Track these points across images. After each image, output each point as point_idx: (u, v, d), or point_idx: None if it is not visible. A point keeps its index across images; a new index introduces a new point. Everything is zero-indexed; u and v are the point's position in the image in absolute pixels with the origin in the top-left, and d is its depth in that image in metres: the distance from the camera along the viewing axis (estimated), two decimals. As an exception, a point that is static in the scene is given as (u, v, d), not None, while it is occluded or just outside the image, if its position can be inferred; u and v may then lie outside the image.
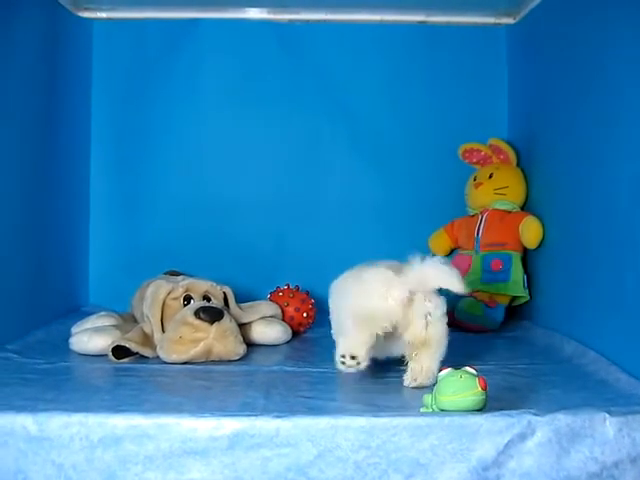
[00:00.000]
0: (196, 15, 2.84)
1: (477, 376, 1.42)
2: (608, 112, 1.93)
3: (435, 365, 1.68)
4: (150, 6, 2.81)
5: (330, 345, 1.88)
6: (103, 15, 2.84)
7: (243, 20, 2.88)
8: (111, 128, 2.87)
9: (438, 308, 1.72)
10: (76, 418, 1.35)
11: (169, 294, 2.09)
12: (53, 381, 1.73)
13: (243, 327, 2.17)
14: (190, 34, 2.86)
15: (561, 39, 2.32)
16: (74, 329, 2.14)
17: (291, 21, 2.88)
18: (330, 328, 1.94)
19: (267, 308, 2.32)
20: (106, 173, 2.87)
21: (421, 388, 1.66)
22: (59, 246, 2.58)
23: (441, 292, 1.76)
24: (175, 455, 1.34)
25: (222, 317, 2.01)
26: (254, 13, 2.87)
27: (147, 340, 2.04)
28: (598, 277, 1.96)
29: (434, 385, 1.47)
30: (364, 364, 1.65)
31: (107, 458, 1.34)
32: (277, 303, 2.39)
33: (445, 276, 1.71)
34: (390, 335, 1.69)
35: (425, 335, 1.69)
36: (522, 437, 1.33)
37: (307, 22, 2.88)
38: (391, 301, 1.67)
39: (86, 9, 2.80)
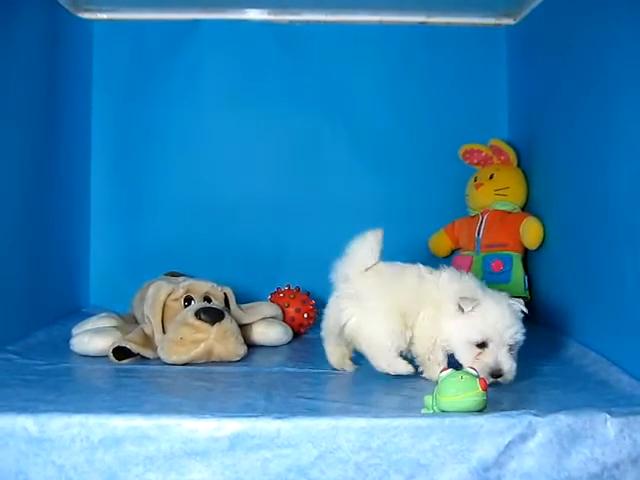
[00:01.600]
0: (196, 16, 2.85)
1: (478, 377, 1.42)
2: (608, 113, 1.93)
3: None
4: (150, 7, 2.81)
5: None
6: (103, 16, 2.85)
7: (243, 21, 2.88)
8: (112, 129, 2.88)
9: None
10: (77, 419, 1.35)
11: (170, 295, 2.09)
12: (54, 382, 1.73)
13: (244, 328, 2.17)
14: (190, 35, 2.86)
15: (561, 40, 2.32)
16: (75, 330, 2.14)
17: (291, 22, 2.88)
18: None
19: (268, 309, 2.32)
20: (107, 174, 2.87)
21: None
22: (60, 247, 2.58)
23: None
24: (176, 456, 1.34)
25: (223, 318, 2.01)
26: (254, 14, 2.88)
27: (148, 341, 2.04)
28: (599, 278, 1.96)
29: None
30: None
31: (108, 459, 1.34)
32: (278, 304, 2.39)
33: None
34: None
35: None
36: (523, 438, 1.33)
37: (307, 23, 2.88)
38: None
39: (86, 10, 2.80)
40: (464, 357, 1.69)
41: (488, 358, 1.66)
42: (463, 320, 1.70)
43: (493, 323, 1.67)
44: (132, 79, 2.87)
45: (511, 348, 1.68)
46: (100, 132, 2.87)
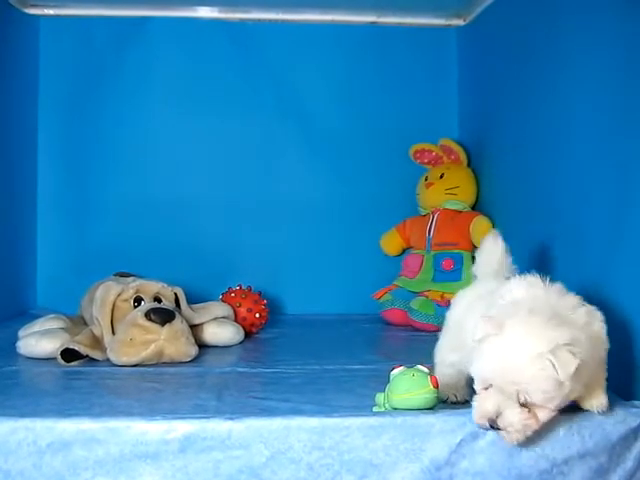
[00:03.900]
0: (146, 13, 2.81)
1: (429, 374, 1.43)
2: (556, 113, 1.96)
3: None
4: (98, 3, 2.77)
5: (282, 345, 1.87)
6: (50, 12, 2.80)
7: (193, 19, 2.86)
8: (59, 127, 2.82)
9: None
10: (23, 423, 1.32)
11: (119, 296, 2.06)
12: (0, 386, 1.69)
13: (195, 328, 2.15)
14: (140, 32, 2.82)
15: (510, 40, 2.35)
16: (21, 332, 2.10)
17: (242, 20, 2.87)
18: None
19: (219, 309, 2.30)
20: (54, 173, 2.82)
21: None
22: (6, 247, 2.53)
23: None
24: (126, 459, 1.31)
25: (173, 318, 1.99)
26: (205, 12, 2.86)
27: (97, 343, 2.01)
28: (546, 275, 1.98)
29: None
30: None
31: (56, 464, 1.31)
32: (229, 304, 2.37)
33: None
34: None
35: None
36: (474, 436, 1.34)
37: (258, 21, 2.87)
38: None
39: (33, 5, 2.75)
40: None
41: (487, 402, 1.27)
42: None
43: (490, 367, 1.27)
44: (80, 76, 2.82)
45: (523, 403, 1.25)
46: (47, 130, 2.82)
